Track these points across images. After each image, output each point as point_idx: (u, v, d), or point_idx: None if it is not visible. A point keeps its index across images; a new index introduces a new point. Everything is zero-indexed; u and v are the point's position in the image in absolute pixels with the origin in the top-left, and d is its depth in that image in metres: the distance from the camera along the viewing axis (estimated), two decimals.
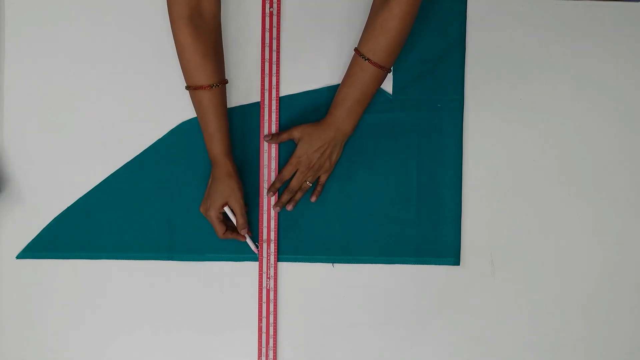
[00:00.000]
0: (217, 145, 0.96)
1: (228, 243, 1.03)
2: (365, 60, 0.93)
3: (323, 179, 1.01)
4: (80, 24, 1.03)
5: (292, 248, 1.03)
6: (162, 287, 1.04)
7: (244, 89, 1.03)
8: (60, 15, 1.03)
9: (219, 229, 0.98)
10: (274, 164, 1.03)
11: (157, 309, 1.04)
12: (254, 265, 1.04)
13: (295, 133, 0.99)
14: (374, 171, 1.03)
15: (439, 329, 1.04)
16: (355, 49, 0.95)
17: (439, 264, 1.03)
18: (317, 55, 1.03)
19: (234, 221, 0.99)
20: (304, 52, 1.03)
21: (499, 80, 1.04)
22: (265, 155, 1.03)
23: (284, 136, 1.00)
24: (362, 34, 0.95)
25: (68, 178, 1.04)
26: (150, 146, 1.03)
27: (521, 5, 1.04)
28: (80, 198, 1.03)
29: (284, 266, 1.04)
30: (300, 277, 1.04)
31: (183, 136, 1.03)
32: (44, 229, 1.04)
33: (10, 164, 1.04)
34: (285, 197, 1.01)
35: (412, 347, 1.04)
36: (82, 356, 1.04)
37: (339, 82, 1.02)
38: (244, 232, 0.99)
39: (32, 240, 1.04)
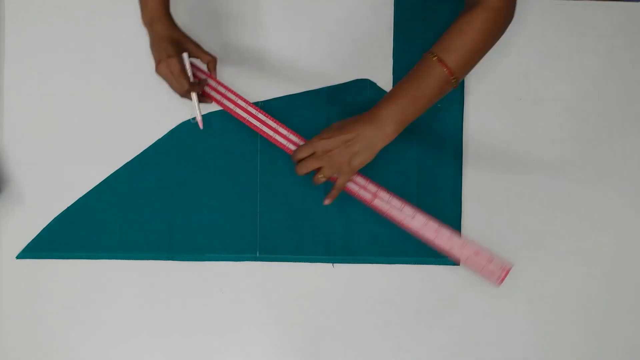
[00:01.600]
0: (159, 2, 0.91)
1: (228, 243, 1.03)
2: (434, 57, 0.84)
3: (340, 181, 0.91)
4: (80, 24, 1.03)
5: (292, 248, 1.04)
6: (162, 287, 1.04)
7: (243, 89, 1.03)
8: (60, 15, 1.03)
9: (185, 79, 0.90)
10: None
11: (157, 309, 1.04)
12: (254, 265, 1.04)
13: (335, 123, 0.90)
14: (374, 171, 1.03)
15: (439, 329, 1.04)
16: (424, 53, 0.87)
17: (439, 264, 1.03)
18: (317, 56, 1.03)
19: (189, 73, 0.93)
20: (304, 52, 1.03)
21: (499, 80, 1.04)
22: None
23: None
24: (437, 40, 0.87)
25: (68, 178, 1.04)
26: (150, 146, 1.03)
27: (521, 5, 1.03)
28: (80, 198, 1.04)
29: (284, 266, 1.04)
30: (300, 278, 1.04)
31: (183, 136, 1.03)
32: (44, 229, 1.04)
33: (10, 164, 1.04)
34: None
35: (412, 347, 1.04)
36: (82, 356, 1.04)
37: (339, 82, 1.02)
38: (209, 60, 0.94)
39: (32, 240, 1.04)
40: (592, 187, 1.04)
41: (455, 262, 1.03)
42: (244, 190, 1.03)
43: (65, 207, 1.04)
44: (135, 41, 1.03)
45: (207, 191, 1.03)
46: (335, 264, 1.04)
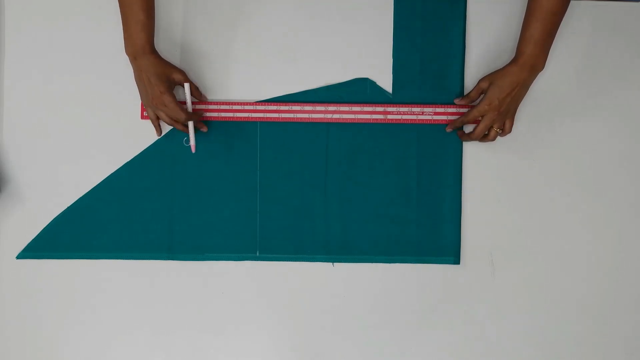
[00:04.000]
0: (147, 35, 0.94)
1: (228, 243, 1.03)
2: None
3: (508, 126, 0.99)
4: (80, 24, 1.03)
5: (292, 248, 1.03)
6: (162, 287, 1.04)
7: (243, 88, 1.03)
8: (61, 15, 1.03)
9: (181, 110, 0.95)
10: None
11: (157, 309, 1.04)
12: (254, 265, 1.04)
13: (483, 84, 0.98)
14: (374, 171, 1.03)
15: (439, 328, 1.04)
16: None
17: (439, 263, 1.03)
18: (317, 55, 1.03)
19: (188, 101, 0.98)
20: (304, 51, 1.03)
21: None
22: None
23: (473, 93, 1.00)
24: None
25: (68, 178, 1.04)
26: (150, 146, 1.03)
27: (521, 5, 1.04)
28: (80, 198, 1.03)
29: (284, 266, 1.04)
30: (300, 277, 1.04)
31: (183, 136, 1.03)
32: (44, 229, 1.04)
33: (10, 164, 1.04)
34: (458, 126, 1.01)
35: (412, 347, 1.04)
36: (82, 356, 1.04)
37: (339, 81, 1.02)
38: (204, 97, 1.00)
39: (32, 240, 1.04)
40: (593, 186, 1.04)
41: (455, 262, 1.03)
42: (244, 190, 1.03)
43: (65, 207, 1.03)
44: None
45: (207, 191, 1.03)
46: (335, 264, 1.04)
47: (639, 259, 1.04)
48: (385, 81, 1.03)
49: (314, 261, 1.04)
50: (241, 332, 1.04)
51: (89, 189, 1.04)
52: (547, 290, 1.04)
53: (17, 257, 1.04)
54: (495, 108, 0.96)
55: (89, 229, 1.03)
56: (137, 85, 0.98)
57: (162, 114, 0.97)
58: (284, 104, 1.02)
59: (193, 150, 1.00)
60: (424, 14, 1.03)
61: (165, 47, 1.03)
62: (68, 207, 1.03)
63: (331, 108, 1.02)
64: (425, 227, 1.03)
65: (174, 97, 0.95)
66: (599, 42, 1.04)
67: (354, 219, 1.03)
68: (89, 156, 1.04)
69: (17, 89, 1.04)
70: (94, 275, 1.04)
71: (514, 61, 0.96)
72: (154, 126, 1.00)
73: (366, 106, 1.02)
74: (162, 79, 0.95)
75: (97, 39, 1.03)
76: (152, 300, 1.04)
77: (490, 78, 0.97)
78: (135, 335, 1.04)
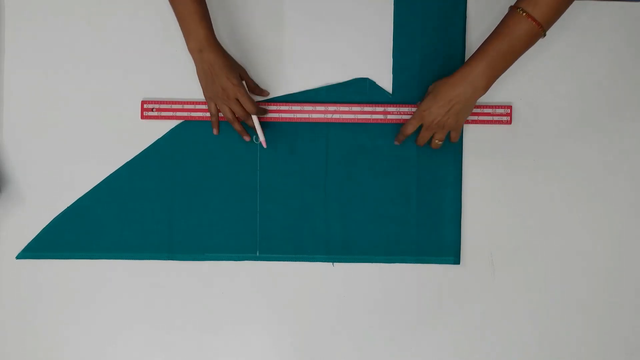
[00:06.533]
0: (207, 25, 0.91)
1: (228, 243, 1.03)
2: (522, 12, 0.86)
3: (453, 136, 0.97)
4: (80, 24, 1.03)
5: (292, 248, 1.04)
6: (162, 287, 1.04)
7: None
8: (60, 15, 1.03)
9: (252, 103, 0.94)
10: None
11: (157, 309, 1.04)
12: (254, 265, 1.04)
13: (429, 89, 0.95)
14: (374, 171, 1.03)
15: (438, 328, 1.04)
16: (511, 7, 0.88)
17: (439, 263, 1.03)
18: (317, 55, 1.03)
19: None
20: (304, 51, 1.03)
21: (499, 80, 1.04)
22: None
23: (409, 128, 0.97)
24: None
25: (68, 178, 1.04)
26: (150, 146, 1.03)
27: None
28: (80, 198, 1.04)
29: (284, 266, 1.04)
30: (300, 277, 1.04)
31: (183, 136, 1.03)
32: (44, 229, 1.04)
33: (10, 164, 1.04)
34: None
35: (412, 346, 1.04)
36: (81, 356, 1.04)
37: (339, 81, 1.02)
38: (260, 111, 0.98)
39: (32, 240, 1.04)
40: (593, 186, 1.04)
41: (455, 262, 1.03)
42: (244, 190, 1.03)
43: (65, 207, 1.04)
44: (136, 41, 1.03)
45: (207, 191, 1.03)
46: (335, 263, 1.04)
47: (639, 259, 1.04)
48: (385, 81, 1.03)
49: (314, 261, 1.04)
50: (241, 332, 1.04)
51: (89, 189, 1.04)
52: (547, 290, 1.04)
53: (17, 257, 1.04)
54: (427, 119, 0.94)
55: (89, 229, 1.03)
56: (201, 80, 0.94)
57: (226, 108, 0.95)
58: (284, 104, 1.02)
59: (264, 145, 1.00)
60: (424, 14, 1.03)
61: (163, 49, 1.03)
62: (68, 207, 1.04)
63: (331, 108, 1.02)
64: (425, 227, 1.03)
65: (246, 89, 0.94)
66: (599, 42, 1.04)
67: (354, 219, 1.03)
68: (89, 156, 1.04)
69: (17, 88, 1.04)
70: (94, 275, 1.04)
71: (458, 71, 0.91)
72: (213, 122, 0.98)
73: (366, 106, 1.02)
74: (233, 71, 0.93)
75: (97, 38, 1.03)
76: (152, 300, 1.04)
77: (434, 85, 0.94)
78: (135, 335, 1.04)
